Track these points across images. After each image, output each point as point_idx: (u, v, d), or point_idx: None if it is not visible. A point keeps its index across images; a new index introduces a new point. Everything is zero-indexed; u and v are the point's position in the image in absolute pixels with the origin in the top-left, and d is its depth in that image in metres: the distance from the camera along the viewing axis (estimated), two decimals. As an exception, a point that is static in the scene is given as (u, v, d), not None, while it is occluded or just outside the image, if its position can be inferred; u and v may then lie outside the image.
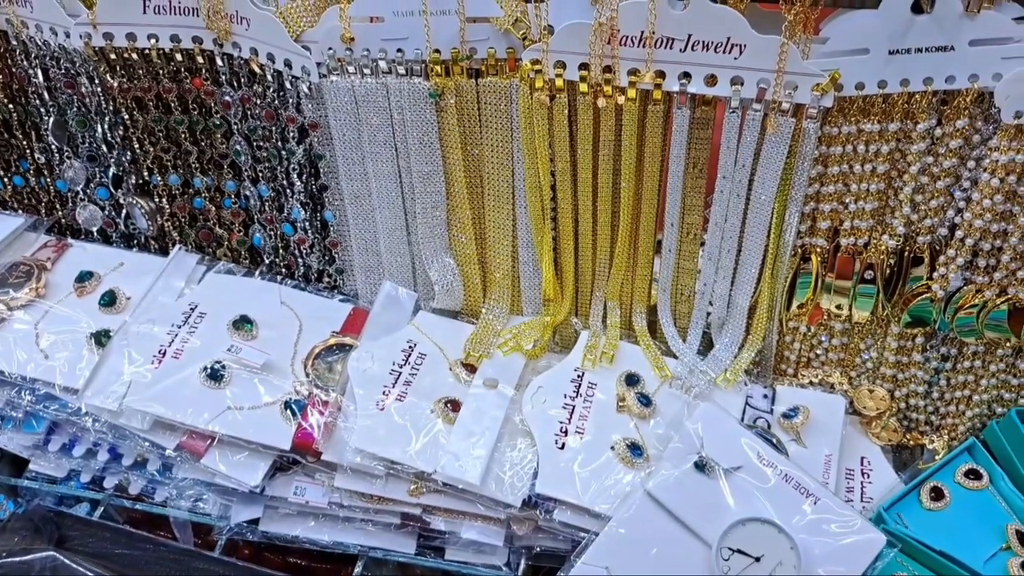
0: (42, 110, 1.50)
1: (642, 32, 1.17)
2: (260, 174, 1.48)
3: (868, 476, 1.34)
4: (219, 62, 1.38)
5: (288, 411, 1.33)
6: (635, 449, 1.28)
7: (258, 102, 1.39)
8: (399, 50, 1.28)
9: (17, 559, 1.31)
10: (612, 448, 1.29)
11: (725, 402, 1.35)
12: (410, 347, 1.43)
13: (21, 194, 1.65)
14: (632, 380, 1.39)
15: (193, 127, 1.46)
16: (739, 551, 1.15)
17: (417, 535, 1.36)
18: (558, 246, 1.44)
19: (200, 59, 1.38)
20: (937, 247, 1.27)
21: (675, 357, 1.44)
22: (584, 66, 1.22)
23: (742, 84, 1.18)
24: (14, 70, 1.50)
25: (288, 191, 1.48)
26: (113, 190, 1.57)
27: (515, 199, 1.40)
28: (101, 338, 1.39)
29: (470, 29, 1.25)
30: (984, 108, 1.16)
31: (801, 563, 1.13)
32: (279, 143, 1.42)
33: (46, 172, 1.61)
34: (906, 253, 1.29)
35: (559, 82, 1.23)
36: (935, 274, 1.27)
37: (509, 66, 1.29)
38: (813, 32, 1.16)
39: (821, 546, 1.16)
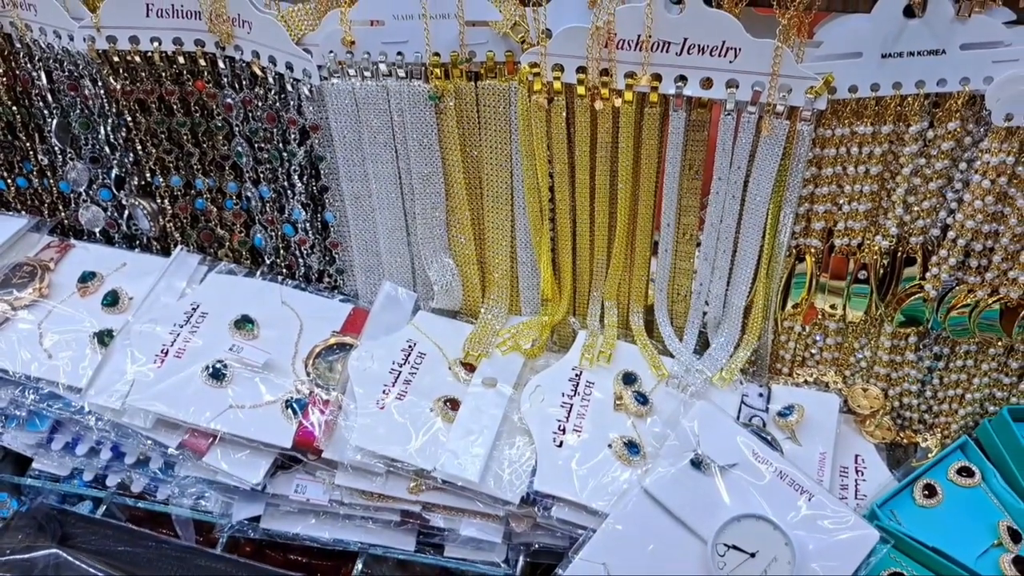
0: (45, 112, 1.51)
1: (639, 36, 1.18)
2: (261, 175, 1.49)
3: (862, 473, 1.34)
4: (221, 65, 1.38)
5: (289, 410, 1.33)
6: (632, 447, 1.29)
7: (260, 104, 1.40)
8: (399, 53, 1.29)
9: (21, 557, 1.31)
10: (609, 446, 1.30)
11: (721, 401, 1.35)
12: (410, 346, 1.44)
13: (24, 195, 1.65)
14: (629, 379, 1.39)
15: (195, 129, 1.47)
16: (734, 547, 1.16)
17: (416, 532, 1.36)
18: (556, 247, 1.44)
19: (202, 62, 1.39)
20: (929, 247, 1.28)
21: (672, 356, 1.44)
22: (582, 69, 1.23)
23: (737, 87, 1.19)
24: (18, 72, 1.50)
25: (289, 192, 1.48)
26: (115, 191, 1.57)
27: (514, 200, 1.41)
28: (104, 338, 1.40)
29: (469, 33, 1.26)
30: (975, 111, 1.16)
31: (795, 559, 1.14)
32: (280, 145, 1.43)
33: (49, 173, 1.61)
34: (899, 253, 1.29)
35: (557, 85, 1.24)
36: (928, 274, 1.28)
37: (508, 69, 1.29)
38: (807, 36, 1.16)
39: (815, 542, 1.16)
